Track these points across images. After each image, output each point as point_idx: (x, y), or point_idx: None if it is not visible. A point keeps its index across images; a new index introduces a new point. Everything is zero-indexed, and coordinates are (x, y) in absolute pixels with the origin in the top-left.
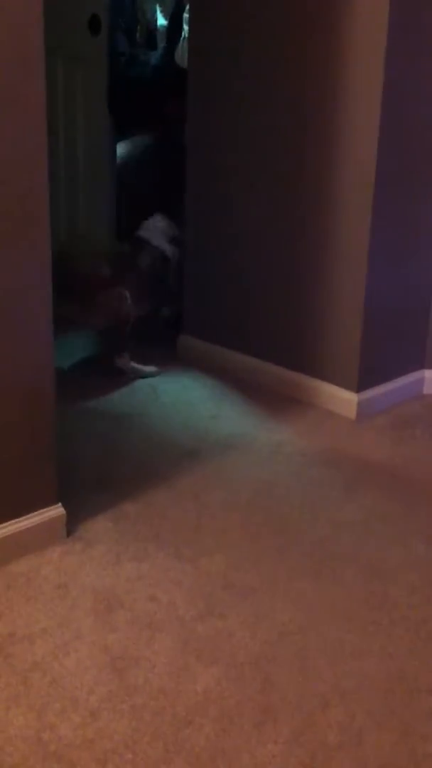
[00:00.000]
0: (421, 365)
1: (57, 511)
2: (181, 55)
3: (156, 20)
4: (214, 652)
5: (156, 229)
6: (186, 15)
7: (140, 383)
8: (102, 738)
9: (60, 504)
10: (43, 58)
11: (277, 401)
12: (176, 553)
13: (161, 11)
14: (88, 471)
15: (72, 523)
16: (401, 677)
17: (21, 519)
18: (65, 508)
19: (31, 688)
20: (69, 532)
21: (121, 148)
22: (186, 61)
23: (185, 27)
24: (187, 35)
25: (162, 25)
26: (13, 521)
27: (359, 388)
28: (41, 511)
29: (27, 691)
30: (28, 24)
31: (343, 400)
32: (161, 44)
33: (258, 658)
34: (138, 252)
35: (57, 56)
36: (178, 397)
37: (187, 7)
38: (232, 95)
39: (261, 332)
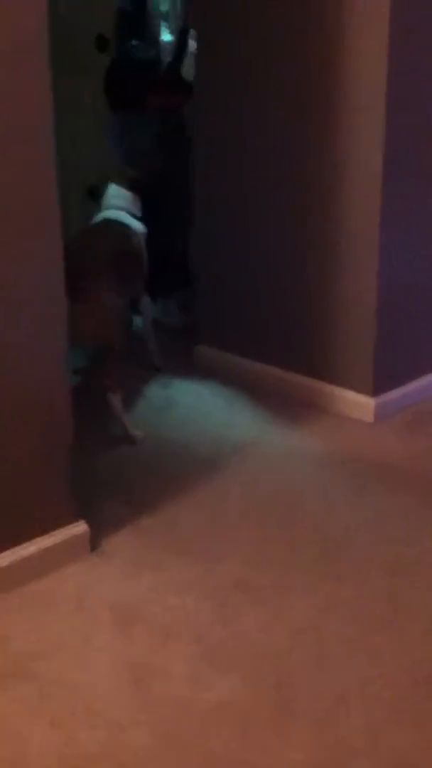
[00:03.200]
0: None
1: (80, 528)
2: (186, 69)
3: (160, 35)
4: (231, 657)
5: (120, 206)
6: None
7: (155, 393)
8: (123, 749)
9: (83, 521)
10: (48, 73)
11: (293, 408)
12: (193, 561)
13: (166, 27)
14: (107, 484)
15: (95, 538)
16: (418, 674)
17: (45, 537)
18: (87, 524)
19: (54, 703)
20: (93, 547)
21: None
22: (191, 75)
23: (191, 42)
24: (193, 51)
25: (166, 41)
26: (37, 539)
27: (375, 392)
28: (63, 528)
29: (49, 706)
30: (32, 41)
31: (359, 404)
32: (167, 59)
33: (274, 660)
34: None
35: (66, 74)
36: (194, 407)
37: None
38: (237, 92)
39: (276, 340)
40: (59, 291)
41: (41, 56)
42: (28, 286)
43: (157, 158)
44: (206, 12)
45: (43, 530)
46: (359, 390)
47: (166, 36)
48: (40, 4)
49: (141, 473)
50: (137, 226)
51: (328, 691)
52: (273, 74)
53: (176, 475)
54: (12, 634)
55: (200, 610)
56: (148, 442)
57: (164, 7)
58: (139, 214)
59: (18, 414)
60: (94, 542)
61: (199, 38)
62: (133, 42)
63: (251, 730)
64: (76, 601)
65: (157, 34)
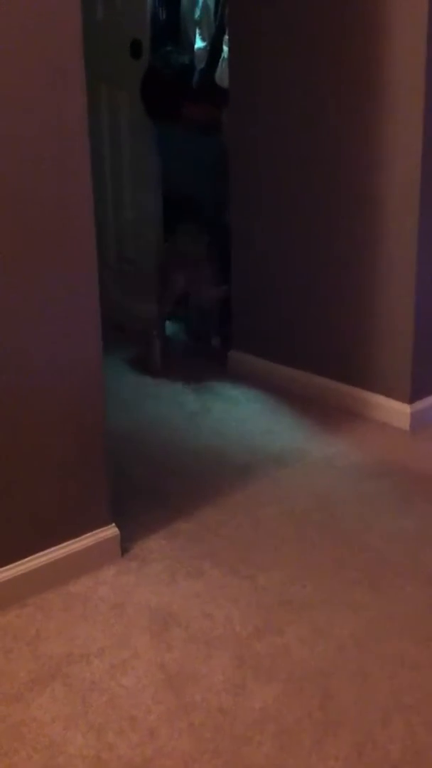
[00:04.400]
0: None
1: (111, 531)
2: (221, 75)
3: (195, 41)
4: (271, 668)
5: None
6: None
7: (189, 400)
8: (161, 756)
9: (114, 524)
10: (83, 78)
11: (329, 415)
12: (231, 570)
13: (200, 34)
14: (141, 488)
15: (126, 542)
16: None
17: (76, 540)
18: (119, 527)
19: (90, 708)
20: (124, 551)
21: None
22: (225, 80)
23: (225, 48)
24: (226, 56)
25: (199, 48)
26: (68, 542)
27: (412, 399)
28: (96, 531)
29: (86, 711)
30: (67, 47)
31: (395, 411)
32: (200, 65)
33: (316, 674)
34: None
35: (101, 80)
36: (230, 413)
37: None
38: (272, 104)
39: (311, 345)
40: (93, 295)
41: (78, 71)
42: (60, 289)
43: (191, 169)
44: (241, 19)
45: (75, 533)
46: (396, 397)
47: (198, 43)
48: (76, 13)
49: (176, 478)
50: None
51: (370, 706)
52: (308, 81)
53: (212, 481)
54: (47, 638)
55: (239, 620)
56: (183, 448)
57: (197, 13)
58: None
59: (51, 418)
60: (127, 546)
61: (232, 44)
62: (168, 48)
63: (292, 742)
64: (112, 606)
65: (192, 40)
